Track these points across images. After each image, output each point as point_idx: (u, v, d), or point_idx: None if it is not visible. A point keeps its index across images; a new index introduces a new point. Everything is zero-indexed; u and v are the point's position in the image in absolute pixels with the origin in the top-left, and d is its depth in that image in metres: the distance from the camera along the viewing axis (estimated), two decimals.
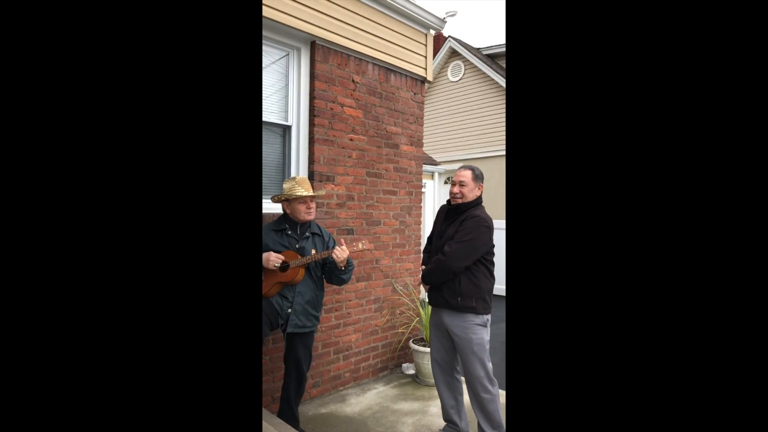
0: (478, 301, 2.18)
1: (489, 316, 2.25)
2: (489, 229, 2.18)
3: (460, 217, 2.24)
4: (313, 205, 2.37)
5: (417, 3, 3.40)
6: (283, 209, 2.41)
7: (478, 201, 2.27)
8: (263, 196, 2.82)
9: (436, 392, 3.11)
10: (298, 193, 2.30)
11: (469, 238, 2.13)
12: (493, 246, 2.23)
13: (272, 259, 2.20)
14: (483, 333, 2.21)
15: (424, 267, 2.42)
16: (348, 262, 2.31)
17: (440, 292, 2.24)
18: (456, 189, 2.26)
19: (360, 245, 2.30)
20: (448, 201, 2.35)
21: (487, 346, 2.23)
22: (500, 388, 3.24)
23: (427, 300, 3.50)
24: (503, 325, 5.21)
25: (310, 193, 2.33)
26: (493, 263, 2.26)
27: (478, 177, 2.27)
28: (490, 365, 2.23)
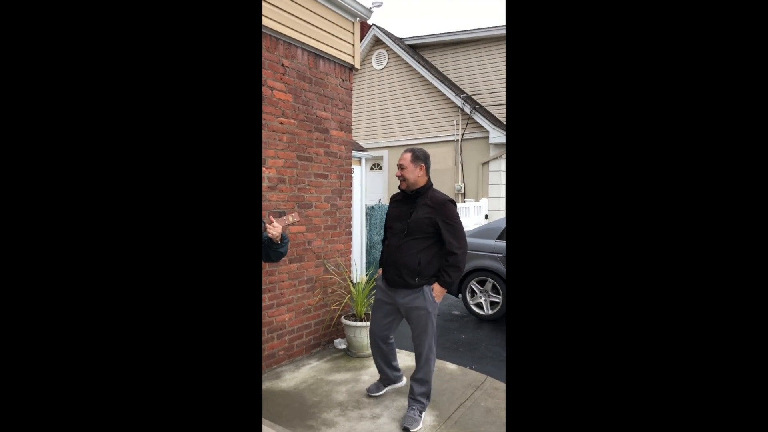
0: (430, 278, 2.36)
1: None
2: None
3: (419, 200, 2.37)
4: None
5: None
6: None
7: (430, 183, 2.42)
8: None
9: (367, 362, 3.32)
10: None
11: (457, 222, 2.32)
12: None
13: None
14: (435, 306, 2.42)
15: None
16: (282, 237, 2.38)
17: (399, 274, 2.39)
18: (397, 172, 2.42)
19: (290, 218, 2.35)
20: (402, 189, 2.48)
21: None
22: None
23: (360, 279, 3.68)
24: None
25: None
26: None
27: (418, 158, 2.39)
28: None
